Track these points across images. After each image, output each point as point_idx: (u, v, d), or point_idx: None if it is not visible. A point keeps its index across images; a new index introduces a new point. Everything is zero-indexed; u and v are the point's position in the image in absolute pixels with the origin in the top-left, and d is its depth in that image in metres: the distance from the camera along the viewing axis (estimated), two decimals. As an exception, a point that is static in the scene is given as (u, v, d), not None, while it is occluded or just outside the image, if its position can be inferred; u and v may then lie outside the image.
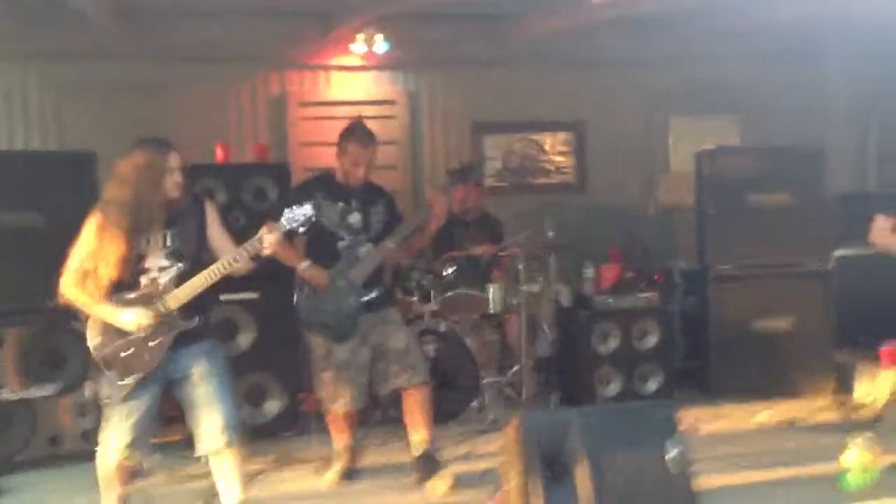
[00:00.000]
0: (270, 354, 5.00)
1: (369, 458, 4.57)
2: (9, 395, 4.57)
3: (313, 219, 3.57)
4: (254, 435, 4.46)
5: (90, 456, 3.65)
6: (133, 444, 3.44)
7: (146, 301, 3.40)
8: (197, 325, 3.46)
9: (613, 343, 5.50)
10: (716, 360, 5.69)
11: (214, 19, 5.74)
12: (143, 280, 3.43)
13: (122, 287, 3.40)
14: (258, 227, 3.49)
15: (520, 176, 6.91)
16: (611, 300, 5.58)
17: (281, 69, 6.40)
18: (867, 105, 6.87)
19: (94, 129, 5.72)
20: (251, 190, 5.10)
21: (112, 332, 3.41)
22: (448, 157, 6.54)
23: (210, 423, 3.44)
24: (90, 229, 3.42)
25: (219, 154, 5.33)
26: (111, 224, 3.39)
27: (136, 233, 3.40)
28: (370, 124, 4.42)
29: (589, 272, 5.77)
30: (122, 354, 3.40)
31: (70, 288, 3.40)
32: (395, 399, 4.44)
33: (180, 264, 3.44)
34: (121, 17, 5.47)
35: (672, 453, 3.54)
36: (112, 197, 3.44)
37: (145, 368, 3.41)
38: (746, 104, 6.79)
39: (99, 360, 3.46)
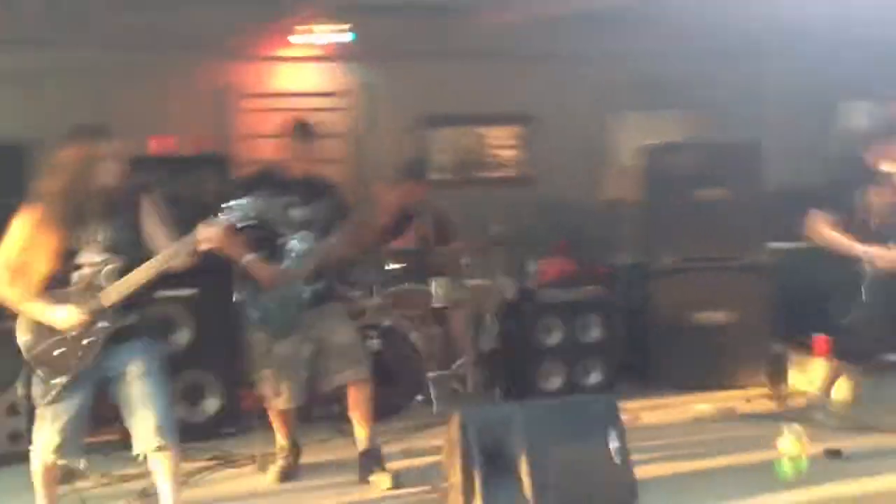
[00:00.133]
0: (209, 351, 4.92)
1: (311, 455, 4.52)
2: (-64, 394, 4.43)
3: (252, 213, 3.50)
4: (193, 434, 4.42)
5: (21, 458, 3.55)
6: (63, 446, 3.36)
7: (79, 298, 3.31)
8: (132, 322, 3.38)
9: (557, 336, 5.54)
10: (656, 353, 5.78)
11: (155, 5, 5.61)
12: (77, 276, 3.34)
13: (55, 283, 3.31)
14: (197, 222, 3.42)
15: (466, 170, 6.91)
16: (554, 294, 5.62)
17: (224, 59, 6.28)
18: (804, 102, 7.03)
19: (27, 120, 5.55)
20: (190, 183, 5.01)
21: (43, 330, 3.32)
22: (395, 151, 6.50)
23: (145, 423, 3.37)
24: (20, 223, 3.32)
25: (155, 146, 5.21)
26: (43, 217, 3.30)
27: (69, 226, 3.31)
28: (315, 117, 4.38)
29: (533, 266, 5.81)
30: (54, 353, 3.31)
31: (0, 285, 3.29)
32: (337, 394, 4.40)
33: (116, 259, 3.36)
34: (59, 1, 5.30)
35: (614, 445, 3.59)
36: (44, 189, 3.35)
37: (78, 367, 3.32)
38: (691, 100, 6.89)
39: (29, 360, 3.36)
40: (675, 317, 5.73)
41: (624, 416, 3.80)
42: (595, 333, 5.59)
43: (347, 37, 6.00)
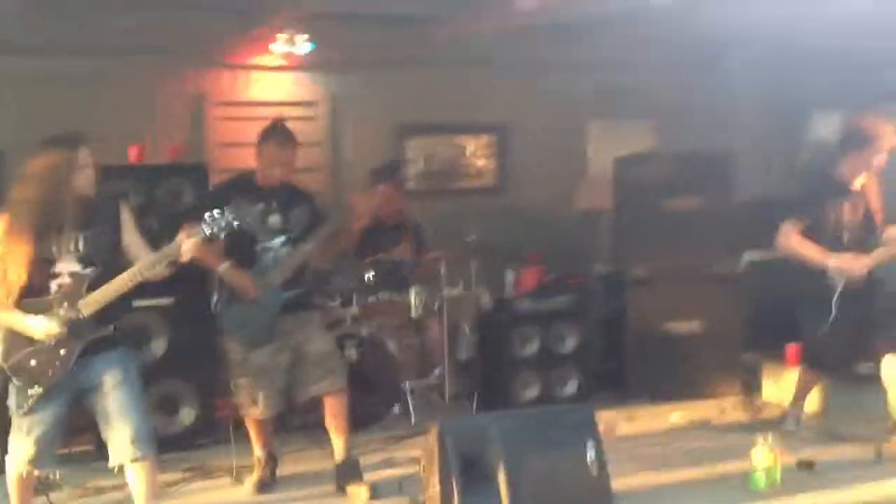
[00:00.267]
0: (185, 361, 4.87)
1: (288, 466, 4.50)
2: None
3: (235, 224, 3.48)
4: (169, 445, 4.37)
5: (-5, 467, 3.50)
6: (38, 457, 3.32)
7: (56, 307, 3.27)
8: (109, 332, 3.34)
9: (533, 346, 5.56)
10: (631, 363, 5.81)
11: (129, 12, 5.56)
12: (53, 285, 3.31)
13: (31, 292, 3.27)
14: (173, 231, 3.40)
15: (441, 179, 6.93)
16: (530, 304, 5.64)
17: (199, 67, 6.25)
18: (776, 112, 7.13)
19: (1, 127, 5.47)
20: (166, 192, 4.97)
21: (19, 339, 3.28)
22: (370, 160, 6.49)
23: (120, 435, 3.33)
24: (-5, 232, 3.28)
25: (132, 155, 5.17)
26: (19, 226, 3.26)
27: (45, 235, 3.28)
28: (291, 126, 4.36)
29: (509, 276, 5.83)
30: (31, 363, 3.27)
31: (-26, 294, 3.25)
32: (314, 404, 4.37)
33: (93, 269, 3.33)
34: (29, 6, 5.24)
35: (591, 455, 3.61)
36: (19, 197, 3.31)
37: (54, 377, 3.28)
38: (662, 110, 6.97)
39: (5, 369, 3.31)
40: (649, 327, 5.76)
41: (601, 428, 3.83)
42: (571, 343, 5.61)
43: (322, 46, 5.99)
